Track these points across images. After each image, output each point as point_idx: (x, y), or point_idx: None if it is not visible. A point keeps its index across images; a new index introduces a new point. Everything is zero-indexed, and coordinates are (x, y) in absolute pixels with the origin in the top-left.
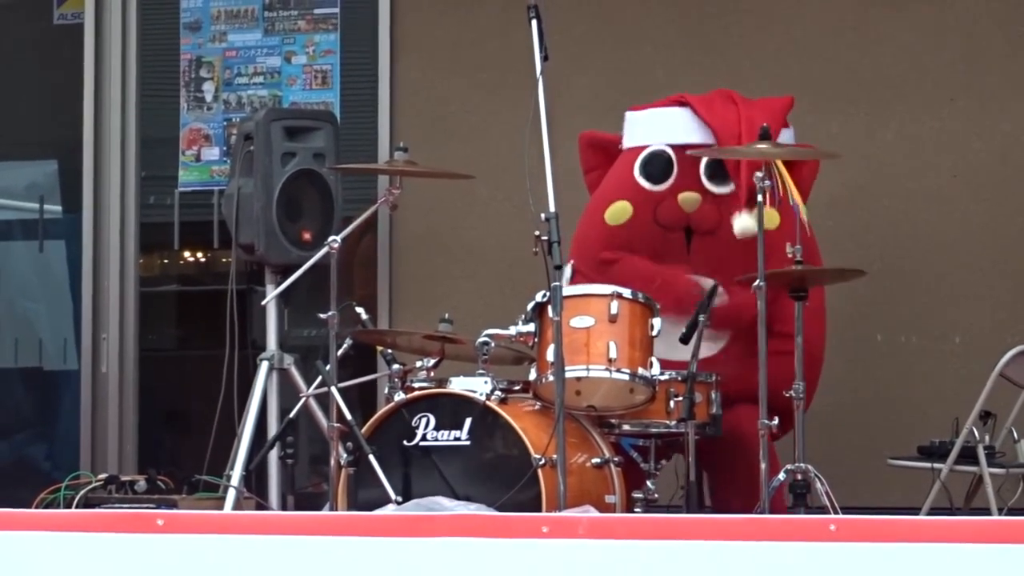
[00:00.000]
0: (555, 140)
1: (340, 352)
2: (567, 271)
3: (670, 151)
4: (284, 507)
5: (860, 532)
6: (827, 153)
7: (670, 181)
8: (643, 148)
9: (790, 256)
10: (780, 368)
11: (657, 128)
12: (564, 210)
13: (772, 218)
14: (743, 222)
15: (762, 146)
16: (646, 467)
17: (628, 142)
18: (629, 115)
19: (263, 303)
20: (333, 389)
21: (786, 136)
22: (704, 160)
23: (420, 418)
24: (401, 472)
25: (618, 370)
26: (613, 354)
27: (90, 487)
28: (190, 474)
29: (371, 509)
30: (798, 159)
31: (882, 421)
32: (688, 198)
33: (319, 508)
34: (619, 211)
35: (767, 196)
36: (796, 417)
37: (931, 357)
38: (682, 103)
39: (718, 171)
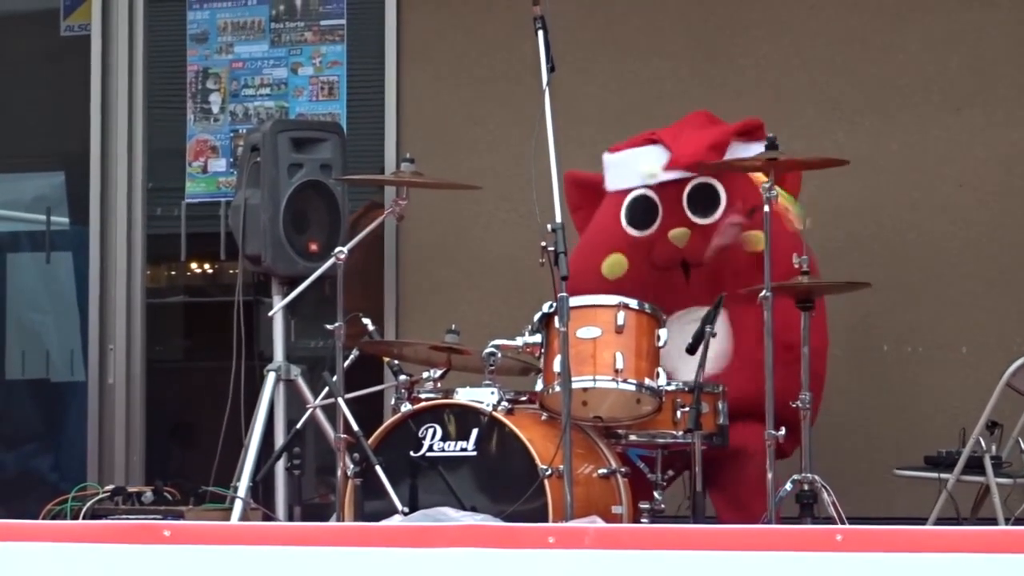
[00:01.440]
0: (561, 151)
1: (347, 363)
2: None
3: (651, 193)
4: (291, 518)
5: (867, 542)
6: (833, 161)
7: (657, 223)
8: (625, 192)
9: (797, 267)
10: (782, 380)
11: (632, 170)
12: (570, 221)
13: (761, 239)
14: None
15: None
16: (653, 478)
17: (610, 185)
18: (606, 157)
19: (270, 314)
20: (340, 400)
21: (753, 150)
22: (686, 193)
23: (427, 429)
24: (408, 483)
25: (625, 381)
26: (620, 365)
27: (97, 498)
28: (197, 485)
29: (378, 520)
30: (802, 168)
31: (889, 431)
32: (678, 234)
33: (326, 519)
34: (615, 265)
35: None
36: (803, 427)
37: (938, 367)
38: (652, 140)
39: (700, 202)
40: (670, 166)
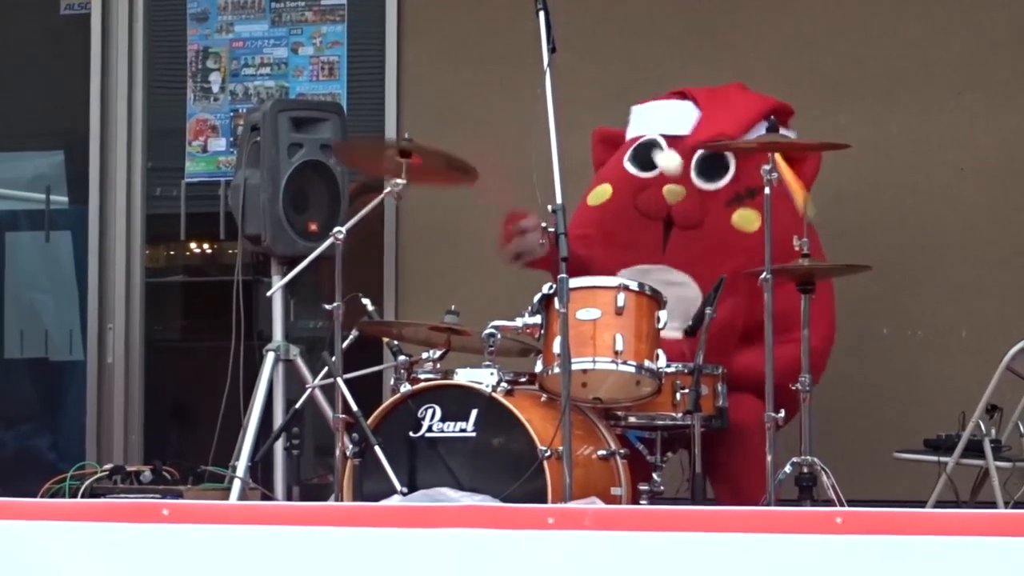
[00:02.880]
0: (562, 132)
1: (346, 343)
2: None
3: (662, 140)
4: (289, 498)
5: (866, 525)
6: (834, 144)
7: (656, 170)
8: (639, 139)
9: (797, 249)
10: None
11: (654, 119)
12: (571, 202)
13: (752, 220)
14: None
15: (768, 137)
16: (652, 459)
17: (629, 134)
18: (634, 108)
19: (269, 294)
20: (339, 380)
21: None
22: (696, 156)
23: (426, 409)
24: (407, 463)
25: (624, 362)
26: (619, 346)
27: (95, 477)
28: (196, 464)
29: (376, 500)
30: (803, 152)
31: (888, 414)
32: (673, 190)
33: (324, 499)
34: (599, 192)
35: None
36: (802, 410)
37: (938, 351)
38: (683, 95)
39: (708, 168)
40: (690, 141)
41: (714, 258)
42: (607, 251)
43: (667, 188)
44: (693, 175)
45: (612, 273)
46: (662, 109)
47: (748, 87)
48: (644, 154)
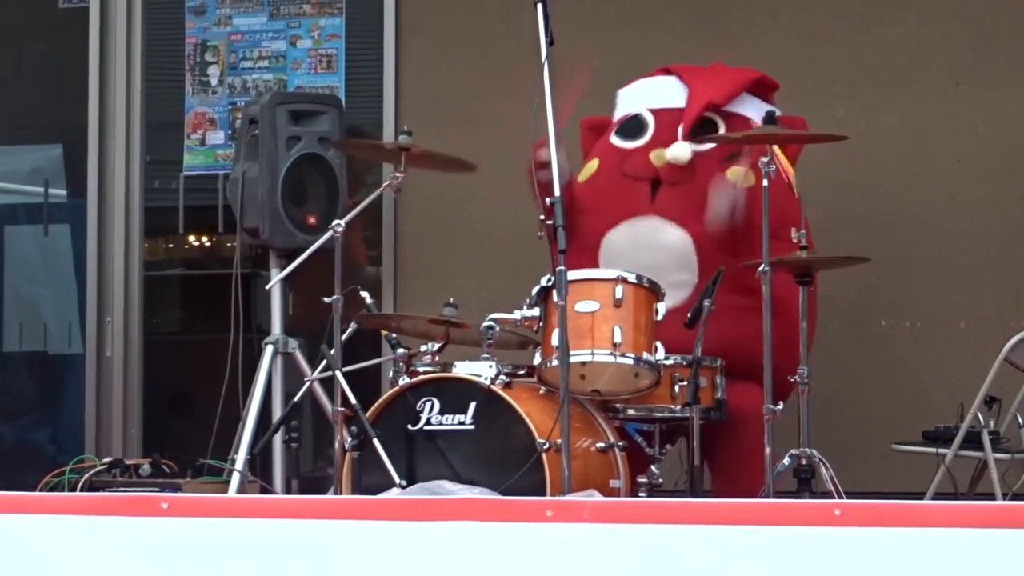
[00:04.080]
0: (560, 124)
1: (345, 336)
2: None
3: (647, 114)
4: (288, 491)
5: (865, 517)
6: (832, 136)
7: (644, 139)
8: (626, 116)
9: (795, 241)
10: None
11: (640, 96)
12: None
13: (747, 177)
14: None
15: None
16: (650, 452)
17: (617, 114)
18: (620, 92)
19: (267, 287)
20: (337, 373)
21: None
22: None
23: (424, 402)
24: (405, 456)
25: (623, 355)
26: (618, 339)
27: (94, 470)
28: (194, 458)
29: (375, 493)
30: (801, 142)
31: (887, 406)
32: (660, 155)
33: (323, 492)
34: (587, 169)
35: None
36: (800, 402)
37: (936, 342)
38: (667, 72)
39: (697, 133)
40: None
41: (702, 208)
42: (595, 217)
43: (654, 153)
44: (681, 138)
45: (602, 234)
46: (647, 86)
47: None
48: (630, 127)
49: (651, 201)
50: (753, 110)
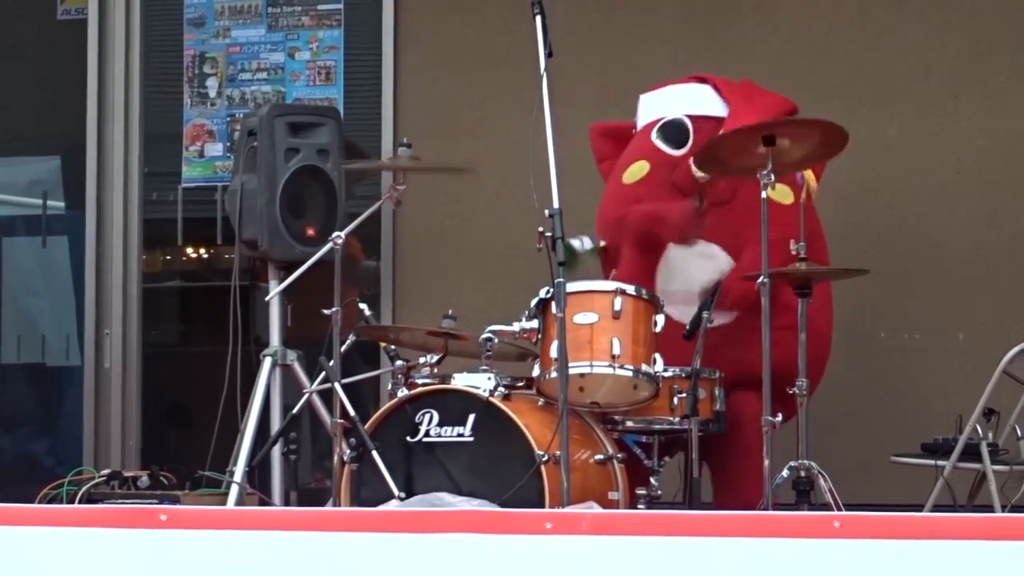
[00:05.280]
0: (559, 136)
1: (343, 348)
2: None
3: (687, 120)
4: (287, 503)
5: (864, 529)
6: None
7: (687, 147)
8: (660, 120)
9: (794, 253)
10: (780, 351)
11: (674, 101)
12: (568, 206)
13: (786, 194)
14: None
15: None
16: (649, 463)
17: (644, 119)
18: (644, 97)
19: (266, 299)
20: (336, 385)
21: None
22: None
23: (423, 414)
24: (404, 468)
25: (621, 366)
26: (616, 350)
27: (93, 483)
28: (193, 470)
29: (374, 505)
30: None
31: (885, 418)
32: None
33: (322, 504)
34: (636, 169)
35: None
36: (800, 414)
37: (935, 354)
38: (702, 80)
39: None
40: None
41: (748, 231)
42: (658, 224)
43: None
44: None
45: (664, 244)
46: (682, 91)
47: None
48: (672, 132)
49: (700, 219)
50: None
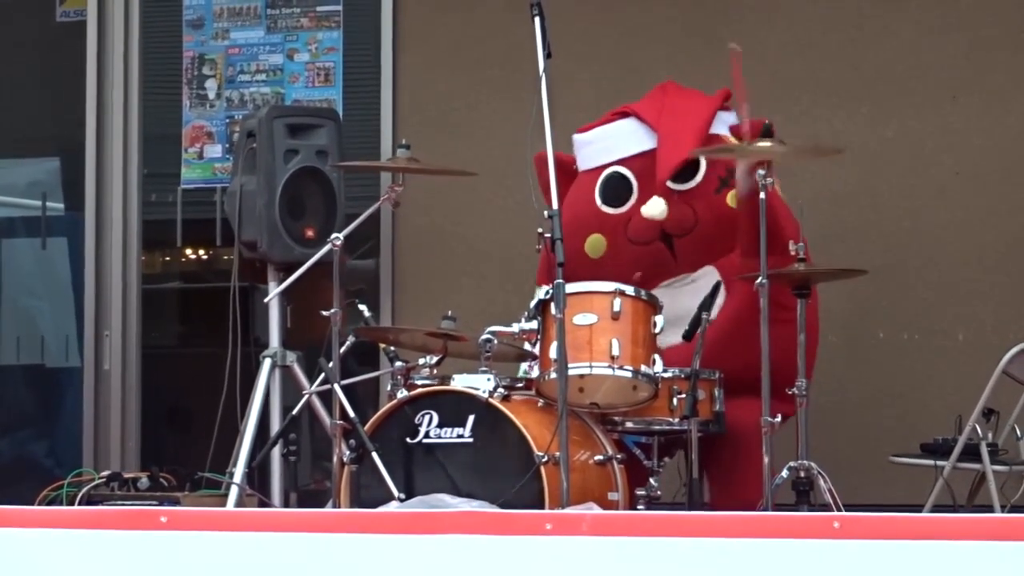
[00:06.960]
0: (558, 137)
1: (343, 349)
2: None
3: (624, 169)
4: (287, 504)
5: (863, 529)
6: (830, 149)
7: (632, 200)
8: (599, 170)
9: (792, 254)
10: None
11: (605, 147)
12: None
13: (732, 197)
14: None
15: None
16: (649, 464)
17: (582, 165)
18: (576, 138)
19: (266, 300)
20: (336, 386)
21: (721, 122)
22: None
23: (423, 415)
24: (404, 469)
25: (621, 367)
26: (616, 351)
27: (93, 484)
28: (193, 471)
29: (374, 506)
30: (801, 158)
31: (885, 419)
32: (653, 208)
33: (322, 505)
34: (595, 245)
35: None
36: (799, 415)
37: (934, 354)
38: (625, 114)
39: (681, 172)
40: (662, 173)
41: (724, 242)
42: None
43: (645, 210)
44: (669, 184)
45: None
46: (610, 133)
47: (680, 84)
48: (612, 191)
49: (673, 257)
50: (721, 124)
